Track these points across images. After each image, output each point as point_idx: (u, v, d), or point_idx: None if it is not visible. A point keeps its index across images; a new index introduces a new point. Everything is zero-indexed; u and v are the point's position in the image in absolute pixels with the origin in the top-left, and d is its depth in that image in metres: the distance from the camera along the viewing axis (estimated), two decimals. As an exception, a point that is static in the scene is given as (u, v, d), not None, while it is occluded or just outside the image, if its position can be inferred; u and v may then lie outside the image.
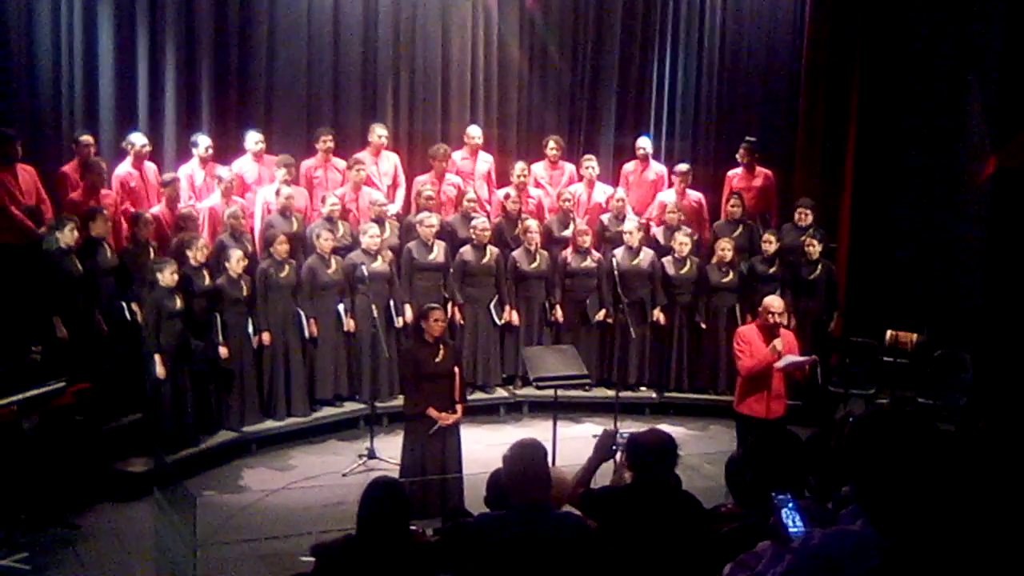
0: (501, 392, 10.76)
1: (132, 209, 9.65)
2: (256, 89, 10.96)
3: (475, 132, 11.43)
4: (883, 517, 2.89)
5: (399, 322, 10.07)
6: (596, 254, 10.79)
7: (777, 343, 8.09)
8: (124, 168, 9.86)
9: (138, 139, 9.87)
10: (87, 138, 9.59)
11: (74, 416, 8.19)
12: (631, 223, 10.74)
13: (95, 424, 8.56)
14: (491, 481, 5.11)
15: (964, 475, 3.45)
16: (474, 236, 10.38)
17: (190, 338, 8.89)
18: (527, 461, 4.54)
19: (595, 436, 5.38)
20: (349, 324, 9.94)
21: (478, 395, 10.43)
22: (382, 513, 4.35)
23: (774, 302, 8.28)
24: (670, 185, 11.68)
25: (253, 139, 10.45)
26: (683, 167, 11.56)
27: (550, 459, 7.76)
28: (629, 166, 11.81)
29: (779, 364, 8.09)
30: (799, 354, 8.37)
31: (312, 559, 4.44)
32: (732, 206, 11.09)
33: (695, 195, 11.62)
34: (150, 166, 10.08)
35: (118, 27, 10.09)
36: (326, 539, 4.57)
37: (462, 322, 10.43)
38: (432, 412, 7.77)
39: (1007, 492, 3.43)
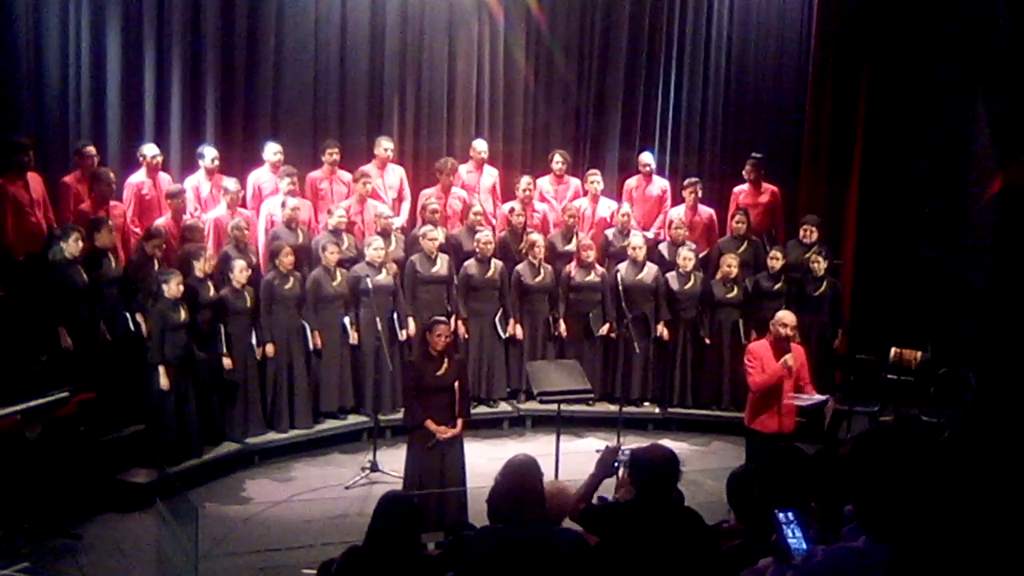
0: (505, 406, 10.76)
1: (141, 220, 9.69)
2: (263, 101, 10.99)
3: (481, 146, 11.45)
4: (882, 531, 2.90)
5: (403, 335, 10.06)
6: (600, 268, 10.80)
7: (788, 358, 8.08)
8: (138, 178, 9.90)
9: (150, 150, 9.90)
10: (90, 149, 9.60)
11: (78, 426, 8.18)
12: (637, 238, 10.74)
13: (98, 434, 8.55)
14: (490, 499, 5.09)
15: (961, 487, 3.45)
16: (478, 250, 10.40)
17: (194, 349, 8.90)
18: (520, 479, 4.51)
19: (598, 451, 5.36)
20: (353, 337, 9.94)
21: (482, 409, 10.44)
22: (395, 528, 4.33)
23: (786, 317, 8.27)
24: (674, 200, 11.70)
25: (272, 150, 10.47)
26: (692, 179, 11.57)
27: (552, 474, 7.82)
28: (631, 181, 11.81)
29: (797, 403, 8.10)
30: (809, 369, 8.38)
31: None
32: (737, 222, 11.09)
33: (707, 211, 11.62)
34: (164, 177, 10.12)
35: (125, 39, 10.13)
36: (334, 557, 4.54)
37: (466, 336, 10.44)
38: (430, 424, 7.73)
39: (1006, 505, 3.43)
